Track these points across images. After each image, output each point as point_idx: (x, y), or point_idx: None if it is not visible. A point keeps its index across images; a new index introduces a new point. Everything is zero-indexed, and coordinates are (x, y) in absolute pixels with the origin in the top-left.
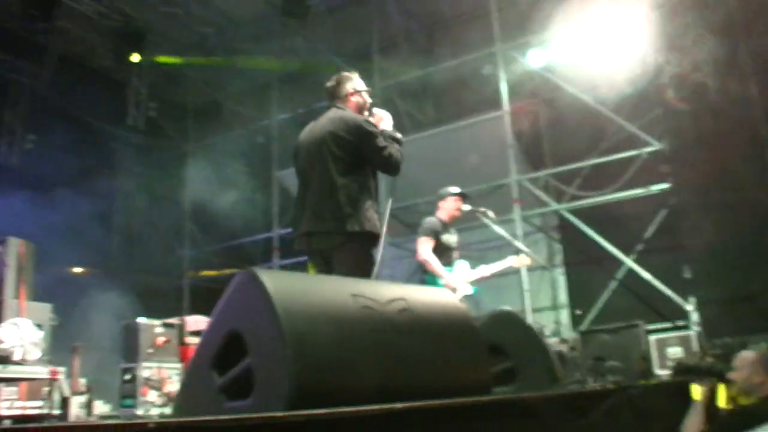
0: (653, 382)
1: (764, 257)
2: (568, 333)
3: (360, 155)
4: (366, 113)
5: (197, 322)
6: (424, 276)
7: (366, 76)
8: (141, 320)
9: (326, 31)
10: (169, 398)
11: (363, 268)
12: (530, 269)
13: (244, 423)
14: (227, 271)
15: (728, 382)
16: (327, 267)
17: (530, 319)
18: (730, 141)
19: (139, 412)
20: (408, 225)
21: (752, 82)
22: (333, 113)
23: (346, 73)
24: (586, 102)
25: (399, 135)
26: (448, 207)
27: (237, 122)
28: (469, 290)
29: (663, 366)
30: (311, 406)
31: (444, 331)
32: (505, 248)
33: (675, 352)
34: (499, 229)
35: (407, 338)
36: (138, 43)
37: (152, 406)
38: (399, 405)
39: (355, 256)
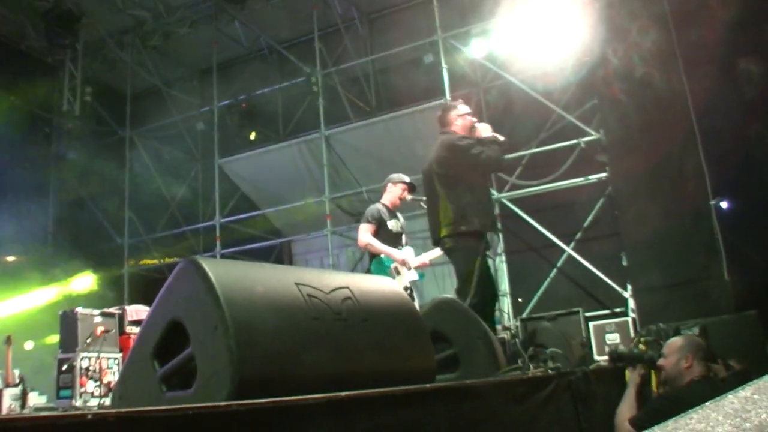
0: (591, 368)
1: (698, 245)
2: (510, 320)
3: (460, 167)
4: (472, 131)
5: (138, 311)
6: (369, 264)
7: (307, 64)
8: (79, 310)
9: (265, 17)
10: (108, 389)
11: (470, 261)
12: None
13: (185, 413)
14: (168, 260)
15: (658, 368)
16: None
17: None
18: (665, 132)
19: (77, 403)
20: (351, 214)
21: (690, 75)
22: (438, 140)
23: (450, 102)
24: (526, 92)
25: (501, 138)
26: (395, 193)
27: (177, 108)
28: (415, 276)
29: (602, 352)
30: (254, 395)
31: (387, 319)
32: None
33: (613, 338)
34: None
35: (351, 327)
36: (71, 26)
37: (91, 396)
38: (343, 393)
39: (464, 253)
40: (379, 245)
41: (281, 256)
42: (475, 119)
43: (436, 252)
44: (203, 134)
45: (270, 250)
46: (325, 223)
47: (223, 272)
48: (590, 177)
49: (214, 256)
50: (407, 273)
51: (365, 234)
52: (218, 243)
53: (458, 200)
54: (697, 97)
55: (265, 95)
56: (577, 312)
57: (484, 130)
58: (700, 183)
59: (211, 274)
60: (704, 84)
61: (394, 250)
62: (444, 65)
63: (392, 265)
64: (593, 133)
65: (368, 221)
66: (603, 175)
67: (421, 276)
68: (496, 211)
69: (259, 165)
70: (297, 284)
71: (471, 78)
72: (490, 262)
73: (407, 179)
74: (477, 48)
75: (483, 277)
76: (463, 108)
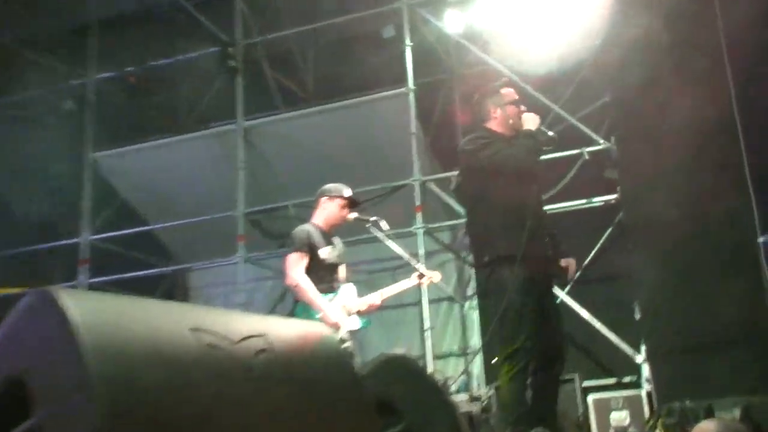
0: None
1: (741, 295)
2: (481, 388)
3: (475, 178)
4: (520, 122)
5: None
6: (294, 305)
7: (223, 30)
8: None
9: None
10: None
11: (502, 297)
12: (434, 301)
13: None
14: (12, 291)
15: None
16: None
17: (432, 367)
18: (700, 144)
19: None
20: (272, 235)
21: (736, 67)
22: None
23: (491, 86)
24: (515, 83)
25: (550, 134)
26: (330, 210)
27: (37, 79)
28: (356, 324)
29: None
30: None
31: (317, 380)
32: (401, 271)
33: (621, 417)
34: (394, 246)
35: (267, 389)
36: None
37: None
38: None
39: (495, 286)
40: (309, 292)
41: (172, 289)
42: (522, 108)
43: (390, 290)
44: (72, 116)
45: (157, 281)
46: (236, 247)
47: (90, 310)
48: (595, 199)
49: (77, 287)
50: (345, 320)
51: (297, 270)
52: (84, 268)
53: (481, 224)
54: (745, 99)
55: (164, 68)
56: (572, 380)
57: (529, 122)
58: (745, 213)
59: (71, 312)
60: (757, 80)
61: (329, 306)
62: (408, 42)
63: None
64: (601, 141)
65: (297, 249)
66: (612, 197)
67: (365, 323)
68: (467, 240)
69: (149, 164)
70: (193, 330)
71: (443, 61)
72: (455, 308)
73: (347, 192)
74: (453, 22)
75: (534, 317)
76: (507, 94)
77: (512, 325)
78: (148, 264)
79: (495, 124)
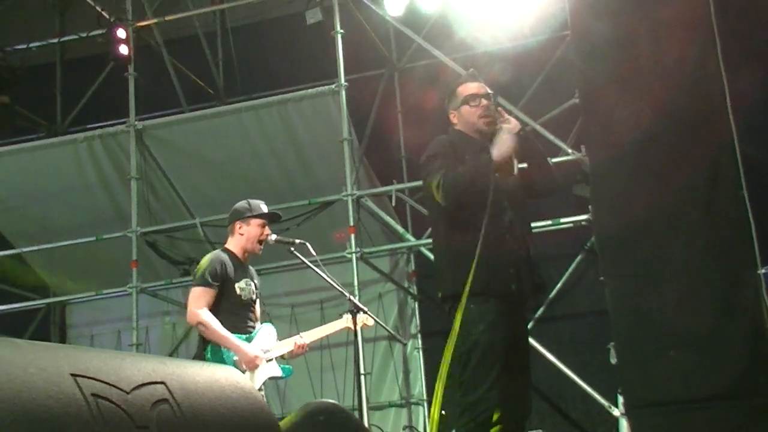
0: None
1: (738, 337)
2: None
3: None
4: (482, 122)
5: None
6: (203, 346)
7: (110, 9)
8: None
9: None
10: None
11: (467, 335)
12: (370, 340)
13: None
14: None
15: None
16: None
17: (367, 420)
18: (686, 156)
19: None
20: (173, 261)
21: (733, 66)
22: None
23: (449, 86)
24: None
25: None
26: (249, 233)
27: None
28: (277, 371)
29: None
30: None
31: None
32: (330, 304)
33: None
34: (322, 274)
35: None
36: None
37: None
38: None
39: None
40: (219, 331)
41: (46, 326)
42: (483, 103)
43: (317, 333)
44: None
45: (29, 317)
46: (129, 275)
47: None
48: (562, 220)
49: None
50: (263, 366)
51: (199, 306)
52: None
53: (441, 248)
54: (741, 101)
55: (35, 53)
56: None
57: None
58: (742, 239)
59: None
60: (756, 82)
61: (242, 343)
62: (338, 29)
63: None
64: (569, 151)
65: (206, 282)
66: (583, 217)
67: (286, 371)
68: (411, 267)
69: (14, 172)
70: (75, 376)
71: (380, 52)
72: (396, 348)
73: (263, 207)
74: (393, 4)
75: (504, 361)
76: (461, 91)
77: (476, 369)
78: (17, 296)
79: (462, 126)
